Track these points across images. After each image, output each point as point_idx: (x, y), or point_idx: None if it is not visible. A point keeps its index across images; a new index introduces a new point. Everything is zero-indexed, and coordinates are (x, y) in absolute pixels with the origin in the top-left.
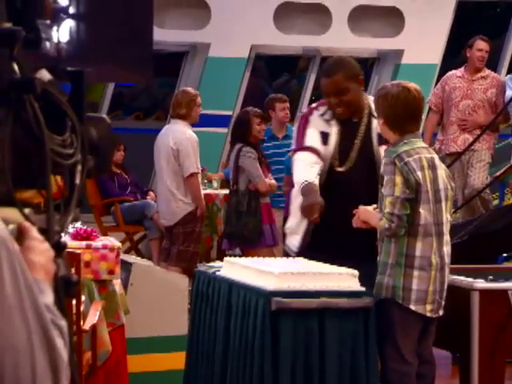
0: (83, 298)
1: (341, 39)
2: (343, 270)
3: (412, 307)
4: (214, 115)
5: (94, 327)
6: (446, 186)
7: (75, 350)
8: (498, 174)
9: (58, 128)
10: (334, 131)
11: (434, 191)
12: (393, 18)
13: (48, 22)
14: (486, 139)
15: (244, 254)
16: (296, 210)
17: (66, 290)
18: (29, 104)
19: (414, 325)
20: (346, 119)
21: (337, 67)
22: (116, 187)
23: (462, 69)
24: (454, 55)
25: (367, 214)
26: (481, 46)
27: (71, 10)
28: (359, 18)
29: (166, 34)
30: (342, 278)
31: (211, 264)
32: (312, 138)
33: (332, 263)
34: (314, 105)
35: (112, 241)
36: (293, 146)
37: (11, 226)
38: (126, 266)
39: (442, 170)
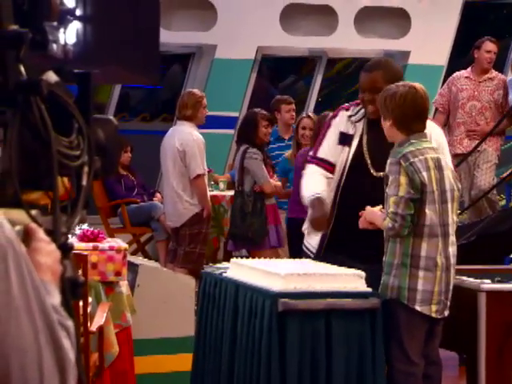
0: (90, 299)
1: (347, 40)
2: (350, 271)
3: (417, 308)
4: (221, 117)
5: (100, 329)
6: (453, 187)
7: (82, 352)
8: (504, 175)
9: (65, 130)
10: (360, 133)
11: (441, 192)
12: (399, 19)
13: (55, 23)
14: (492, 140)
15: (250, 255)
16: None
17: (72, 291)
18: (36, 106)
19: (420, 325)
20: (374, 122)
21: (379, 66)
22: (123, 189)
23: (469, 70)
24: (461, 56)
25: (372, 214)
26: (489, 47)
27: (78, 12)
28: (365, 19)
29: (173, 36)
30: (349, 279)
31: (218, 265)
32: (327, 146)
33: (350, 264)
34: (345, 105)
35: (119, 242)
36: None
37: (18, 228)
38: (133, 268)
39: (448, 171)
